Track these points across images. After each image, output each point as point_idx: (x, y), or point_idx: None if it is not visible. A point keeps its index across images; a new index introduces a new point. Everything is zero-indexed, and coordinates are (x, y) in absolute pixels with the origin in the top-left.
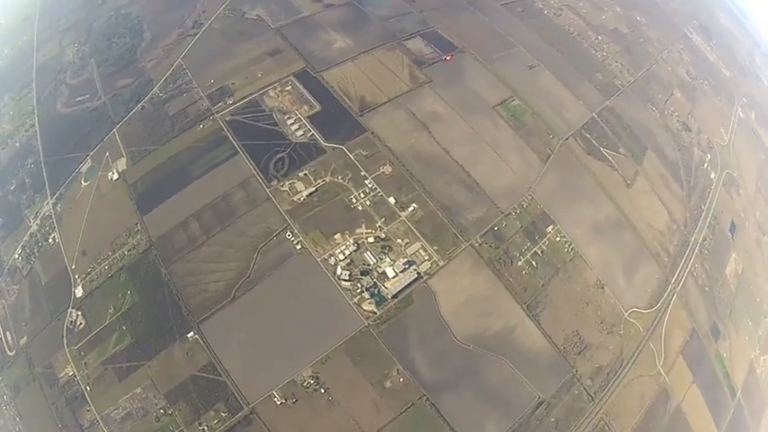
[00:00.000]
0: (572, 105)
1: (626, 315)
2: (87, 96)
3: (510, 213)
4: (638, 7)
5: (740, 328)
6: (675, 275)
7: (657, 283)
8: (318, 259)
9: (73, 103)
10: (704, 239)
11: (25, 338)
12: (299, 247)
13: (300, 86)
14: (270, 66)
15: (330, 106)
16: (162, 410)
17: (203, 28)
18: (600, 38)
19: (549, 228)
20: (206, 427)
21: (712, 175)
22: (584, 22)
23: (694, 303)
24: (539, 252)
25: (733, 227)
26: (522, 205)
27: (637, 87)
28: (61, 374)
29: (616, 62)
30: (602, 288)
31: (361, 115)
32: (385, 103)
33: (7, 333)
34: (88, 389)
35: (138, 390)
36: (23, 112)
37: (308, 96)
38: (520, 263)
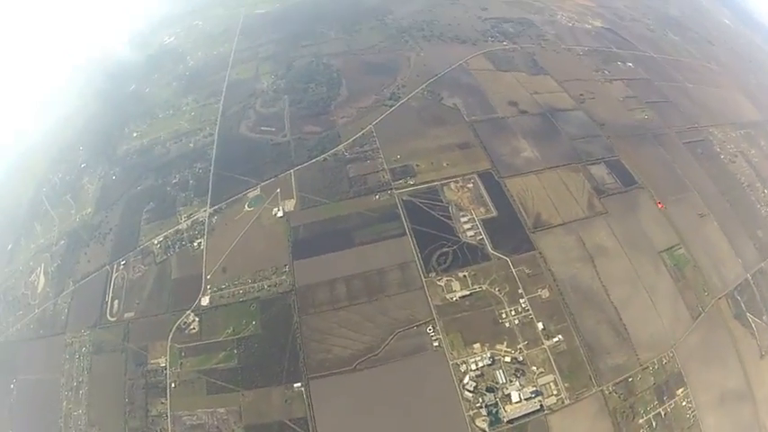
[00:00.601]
0: (731, 262)
1: None
2: (273, 129)
3: (648, 367)
4: None
5: None
6: None
7: None
8: (451, 362)
9: (258, 131)
10: None
11: (132, 314)
12: (436, 344)
13: (482, 187)
14: (457, 158)
15: (506, 215)
16: None
17: (400, 102)
18: (766, 191)
19: (680, 390)
20: None
21: None
22: (754, 172)
23: None
24: (662, 413)
25: None
26: (662, 361)
27: None
28: (152, 361)
29: None
30: None
31: (533, 232)
32: (559, 225)
33: (116, 301)
34: (173, 385)
35: (222, 410)
36: (205, 118)
37: (487, 199)
38: (641, 420)
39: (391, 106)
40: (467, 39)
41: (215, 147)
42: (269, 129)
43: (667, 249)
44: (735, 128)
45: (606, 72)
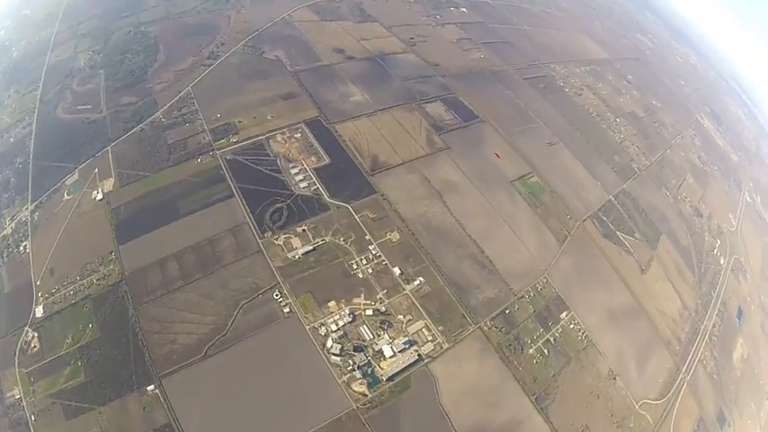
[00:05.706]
0: (590, 186)
1: (637, 407)
2: (89, 107)
3: (523, 296)
4: (654, 92)
5: (744, 412)
6: (686, 364)
7: (669, 373)
8: (307, 327)
9: (74, 111)
10: (713, 326)
11: None
12: (286, 310)
13: (311, 136)
14: (282, 109)
15: (340, 161)
16: None
17: (219, 60)
18: (618, 120)
19: (564, 314)
20: None
21: (722, 261)
22: (603, 103)
23: (703, 391)
24: (551, 339)
25: (740, 312)
26: (537, 288)
27: (652, 171)
28: (8, 394)
29: (633, 145)
30: (615, 379)
31: (372, 175)
32: (399, 165)
33: None
34: (33, 418)
35: None
36: (24, 108)
37: (318, 147)
38: (531, 350)
39: (210, 65)
40: None
41: (33, 136)
42: (85, 107)
43: (519, 178)
44: (579, 65)
45: (438, 17)
